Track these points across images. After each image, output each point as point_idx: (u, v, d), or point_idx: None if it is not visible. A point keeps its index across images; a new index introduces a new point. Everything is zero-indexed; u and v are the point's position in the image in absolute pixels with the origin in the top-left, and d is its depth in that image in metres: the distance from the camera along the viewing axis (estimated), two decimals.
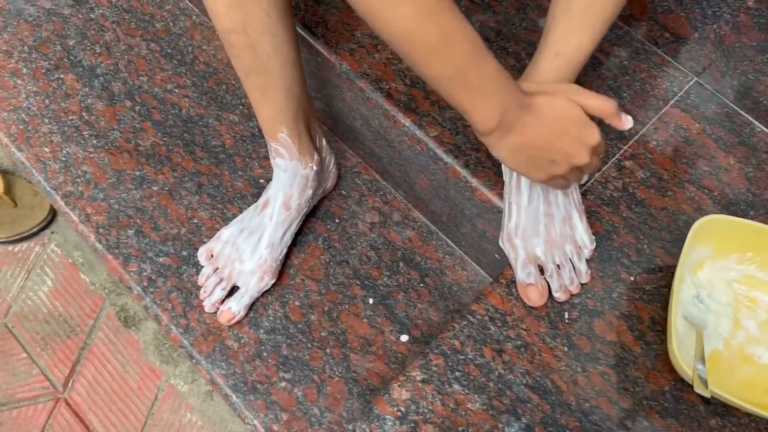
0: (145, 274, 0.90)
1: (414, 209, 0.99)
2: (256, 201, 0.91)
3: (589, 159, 0.60)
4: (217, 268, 0.88)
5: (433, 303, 0.92)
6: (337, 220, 0.97)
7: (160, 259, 0.91)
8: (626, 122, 0.60)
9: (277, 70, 0.73)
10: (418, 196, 0.96)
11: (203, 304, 0.88)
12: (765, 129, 0.89)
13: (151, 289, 0.89)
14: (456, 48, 0.52)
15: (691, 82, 0.91)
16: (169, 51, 1.08)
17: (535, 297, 0.74)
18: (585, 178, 0.66)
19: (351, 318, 0.90)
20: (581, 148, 0.59)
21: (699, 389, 0.62)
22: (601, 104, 0.59)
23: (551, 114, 0.58)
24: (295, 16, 0.91)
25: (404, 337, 0.89)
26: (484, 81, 0.54)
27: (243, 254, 0.86)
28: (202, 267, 0.90)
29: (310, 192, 0.87)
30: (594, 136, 0.59)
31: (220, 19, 0.68)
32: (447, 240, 0.97)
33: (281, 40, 0.71)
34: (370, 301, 0.91)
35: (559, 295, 0.74)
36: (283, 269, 0.91)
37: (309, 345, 0.87)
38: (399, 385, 0.70)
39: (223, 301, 0.87)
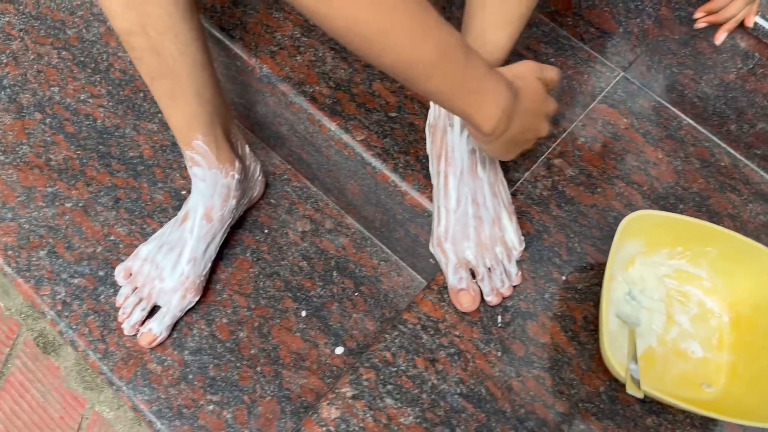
0: (59, 297, 0.84)
1: (347, 215, 0.96)
2: (177, 214, 0.86)
3: (550, 128, 0.63)
4: (136, 288, 0.83)
5: (368, 312, 0.89)
6: (266, 231, 0.93)
7: (75, 281, 0.85)
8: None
9: (186, 73, 0.69)
10: (350, 202, 0.93)
11: (122, 326, 0.82)
12: (692, 122, 0.89)
13: (66, 313, 0.84)
14: (453, 57, 0.50)
15: (618, 77, 0.91)
16: (83, 59, 1.02)
17: (467, 302, 0.72)
18: None
19: (283, 333, 0.86)
20: (546, 122, 0.61)
21: (631, 390, 0.61)
22: (557, 75, 0.61)
23: (528, 97, 0.57)
24: (212, 18, 0.87)
25: (339, 350, 0.86)
26: (481, 80, 0.52)
27: (163, 271, 0.81)
28: (120, 287, 0.84)
29: (233, 202, 0.83)
30: (553, 105, 0.62)
31: (116, 20, 0.63)
32: (382, 246, 0.95)
33: (186, 40, 0.67)
34: (303, 313, 0.88)
35: (491, 299, 0.72)
36: (208, 285, 0.87)
37: (238, 364, 0.83)
38: (328, 404, 0.66)
39: (143, 322, 0.82)
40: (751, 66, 0.79)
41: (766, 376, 0.68)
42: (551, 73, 0.61)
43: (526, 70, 0.59)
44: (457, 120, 0.71)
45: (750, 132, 0.84)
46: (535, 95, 0.58)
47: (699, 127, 0.88)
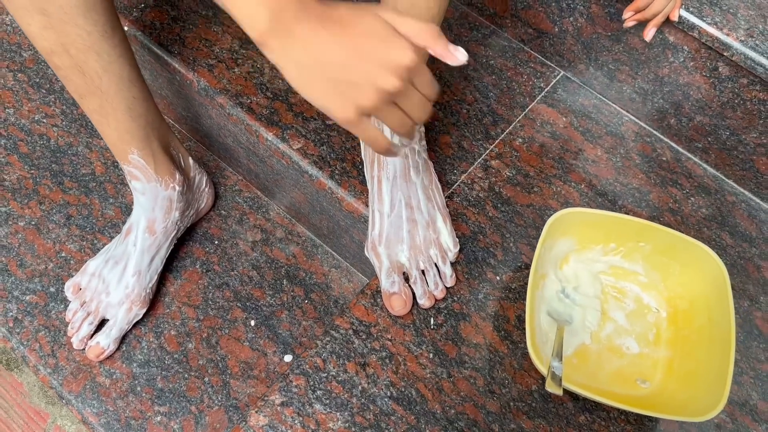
0: (11, 314, 0.86)
1: (297, 224, 0.97)
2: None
3: (400, 83, 0.46)
4: (84, 302, 0.84)
5: (318, 319, 0.90)
6: (216, 242, 0.94)
7: (27, 297, 0.87)
8: (457, 55, 0.47)
9: (113, 90, 0.70)
10: (298, 211, 0.94)
11: (71, 340, 0.83)
12: (632, 117, 0.89)
13: (18, 330, 0.85)
14: None
15: (559, 77, 0.91)
16: (37, 80, 1.04)
17: (398, 306, 0.72)
18: (416, 130, 0.55)
19: (231, 342, 0.86)
20: (388, 68, 0.46)
21: (550, 387, 0.61)
22: (418, 27, 0.47)
23: (354, 28, 0.46)
24: (151, 35, 0.88)
25: (288, 357, 0.86)
26: None
27: (109, 285, 0.83)
28: (70, 302, 0.86)
29: (176, 214, 0.84)
30: (405, 55, 0.46)
31: (36, 40, 0.64)
32: (332, 252, 0.95)
33: (110, 57, 0.68)
34: (252, 323, 0.88)
35: (424, 302, 0.73)
36: (157, 297, 0.88)
37: (186, 375, 0.83)
38: (257, 411, 0.67)
39: (92, 336, 0.83)
40: (681, 59, 0.79)
41: (700, 372, 0.68)
42: (409, 21, 0.47)
43: (369, 7, 0.48)
44: (386, 126, 0.71)
45: (689, 125, 0.84)
46: (370, 33, 0.46)
47: (640, 123, 0.88)
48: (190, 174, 0.87)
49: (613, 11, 0.81)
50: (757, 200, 0.84)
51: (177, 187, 0.82)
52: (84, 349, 0.83)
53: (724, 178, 0.85)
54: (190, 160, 0.87)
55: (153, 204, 0.81)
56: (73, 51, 0.65)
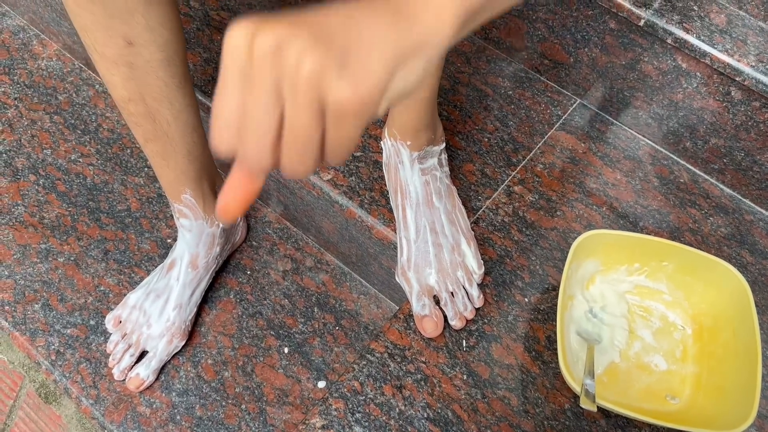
0: (53, 347, 0.89)
1: (326, 252, 1.00)
2: (163, 262, 0.90)
3: None
4: (125, 334, 0.87)
5: (349, 345, 0.92)
6: (248, 272, 0.97)
7: (68, 331, 0.90)
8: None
9: (178, 135, 0.74)
10: (327, 240, 0.97)
11: (112, 371, 0.86)
12: (649, 142, 0.92)
13: (60, 362, 0.88)
14: None
15: (575, 104, 0.94)
16: (73, 122, 1.08)
17: (430, 328, 0.74)
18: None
19: (266, 370, 0.89)
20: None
21: (585, 404, 0.63)
22: None
23: None
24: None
25: (321, 383, 0.89)
26: None
27: (150, 318, 0.86)
28: (111, 334, 0.89)
29: (217, 249, 0.88)
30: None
31: (117, 89, 0.68)
32: (360, 279, 0.98)
33: (180, 106, 0.71)
34: (285, 350, 0.91)
35: (456, 323, 0.75)
36: (194, 328, 0.91)
37: (223, 403, 0.86)
38: None
39: (132, 367, 0.86)
40: (695, 85, 0.82)
41: (728, 386, 0.70)
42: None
43: None
44: (405, 157, 0.75)
45: (705, 148, 0.87)
46: None
47: (657, 146, 0.91)
48: None
49: (626, 41, 0.84)
50: None
51: (221, 225, 0.85)
52: (124, 380, 0.86)
53: (741, 197, 0.88)
54: None
55: (198, 240, 0.84)
56: (149, 100, 0.69)
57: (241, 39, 0.29)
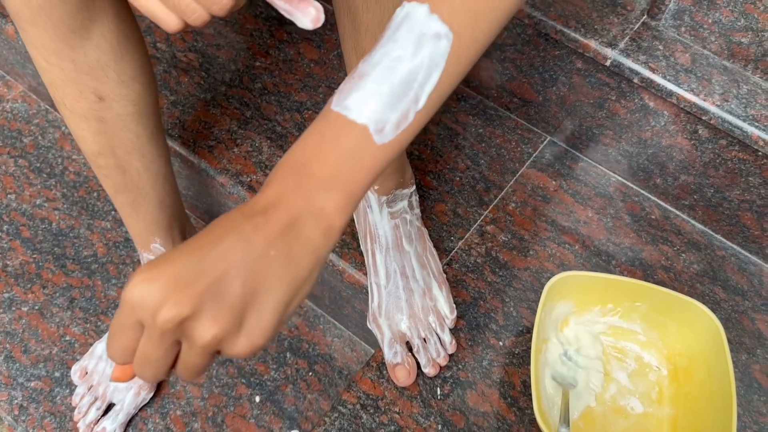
0: (16, 402, 0.86)
1: None
2: None
3: None
4: (92, 386, 0.85)
5: (323, 391, 0.90)
6: None
7: (32, 384, 0.87)
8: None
9: (149, 186, 0.72)
10: None
11: (78, 425, 0.83)
12: (619, 178, 0.92)
13: (23, 417, 0.85)
14: None
15: (545, 141, 0.95)
16: (38, 165, 1.06)
17: (403, 377, 0.73)
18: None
19: (237, 420, 0.86)
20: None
21: None
22: None
23: None
24: None
25: None
26: None
27: None
28: (76, 386, 0.86)
29: None
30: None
31: (86, 143, 0.66)
32: (334, 322, 0.96)
33: (152, 157, 0.70)
34: (257, 399, 0.88)
35: (429, 370, 0.73)
36: None
37: None
38: None
39: (98, 420, 0.83)
40: (662, 123, 0.83)
41: (704, 428, 0.69)
42: None
43: None
44: (374, 201, 0.74)
45: (675, 184, 0.87)
46: None
47: (627, 183, 0.92)
48: None
49: (593, 80, 0.85)
50: (746, 253, 0.87)
51: None
52: None
53: (712, 233, 0.88)
54: None
55: None
56: (120, 153, 0.67)
57: (144, 306, 0.32)
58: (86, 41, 0.56)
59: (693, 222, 0.89)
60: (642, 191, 0.91)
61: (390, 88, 0.35)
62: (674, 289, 0.82)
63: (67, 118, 0.64)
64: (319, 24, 0.36)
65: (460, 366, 0.75)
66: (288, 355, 0.92)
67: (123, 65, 0.60)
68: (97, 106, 0.62)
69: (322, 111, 0.37)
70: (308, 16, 0.35)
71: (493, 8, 0.38)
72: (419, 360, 0.74)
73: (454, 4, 0.36)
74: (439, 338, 0.75)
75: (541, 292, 0.80)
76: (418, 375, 0.74)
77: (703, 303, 0.76)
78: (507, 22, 0.40)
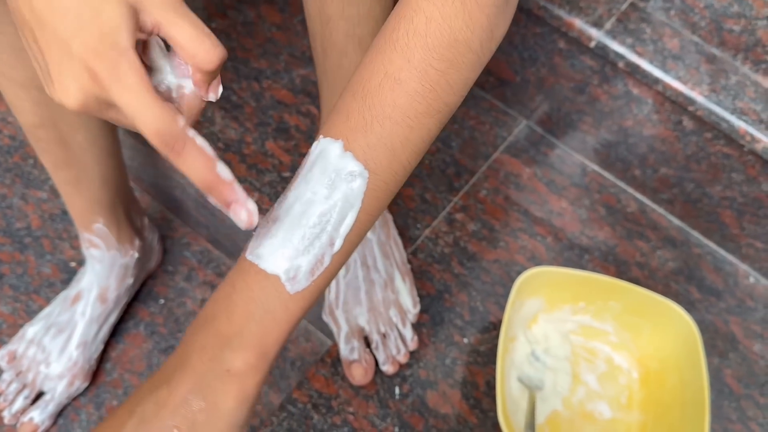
0: None
1: None
2: (65, 288, 0.80)
3: None
4: (20, 372, 0.77)
5: (273, 384, 0.84)
6: (162, 301, 0.87)
7: None
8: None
9: (93, 162, 0.66)
10: None
11: (2, 414, 0.76)
12: (596, 168, 0.87)
13: None
14: None
15: (521, 126, 0.89)
16: None
17: (359, 375, 0.67)
18: None
19: None
20: None
21: None
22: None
23: None
24: None
25: None
26: None
27: (50, 356, 0.76)
28: (3, 371, 0.78)
29: (130, 280, 0.79)
30: None
31: (24, 114, 0.59)
32: None
33: (97, 131, 0.63)
34: None
35: (387, 368, 0.68)
36: (99, 365, 0.81)
37: None
38: None
39: (25, 410, 0.76)
40: (646, 112, 0.78)
41: None
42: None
43: None
44: None
45: (654, 177, 0.83)
46: None
47: (604, 173, 0.87)
48: (145, 235, 0.81)
49: (576, 62, 0.79)
50: (723, 252, 0.83)
51: (136, 254, 0.77)
52: (16, 424, 0.76)
53: (689, 229, 0.84)
54: (146, 220, 0.82)
55: (109, 272, 0.76)
56: (62, 125, 0.61)
57: None
58: None
59: (670, 217, 0.85)
60: (619, 183, 0.87)
61: (301, 233, 0.34)
62: (648, 287, 0.78)
63: (4, 86, 0.57)
64: (252, 227, 0.34)
65: (421, 364, 0.70)
66: None
67: None
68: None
69: (239, 258, 0.35)
70: (241, 223, 0.34)
71: (410, 139, 0.36)
72: (377, 357, 0.68)
73: (368, 140, 0.35)
74: (400, 334, 0.70)
75: (510, 286, 0.76)
76: (375, 373, 0.69)
77: (678, 303, 0.72)
78: (426, 150, 0.38)
